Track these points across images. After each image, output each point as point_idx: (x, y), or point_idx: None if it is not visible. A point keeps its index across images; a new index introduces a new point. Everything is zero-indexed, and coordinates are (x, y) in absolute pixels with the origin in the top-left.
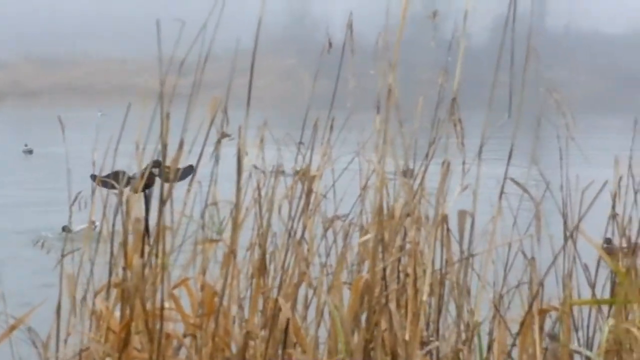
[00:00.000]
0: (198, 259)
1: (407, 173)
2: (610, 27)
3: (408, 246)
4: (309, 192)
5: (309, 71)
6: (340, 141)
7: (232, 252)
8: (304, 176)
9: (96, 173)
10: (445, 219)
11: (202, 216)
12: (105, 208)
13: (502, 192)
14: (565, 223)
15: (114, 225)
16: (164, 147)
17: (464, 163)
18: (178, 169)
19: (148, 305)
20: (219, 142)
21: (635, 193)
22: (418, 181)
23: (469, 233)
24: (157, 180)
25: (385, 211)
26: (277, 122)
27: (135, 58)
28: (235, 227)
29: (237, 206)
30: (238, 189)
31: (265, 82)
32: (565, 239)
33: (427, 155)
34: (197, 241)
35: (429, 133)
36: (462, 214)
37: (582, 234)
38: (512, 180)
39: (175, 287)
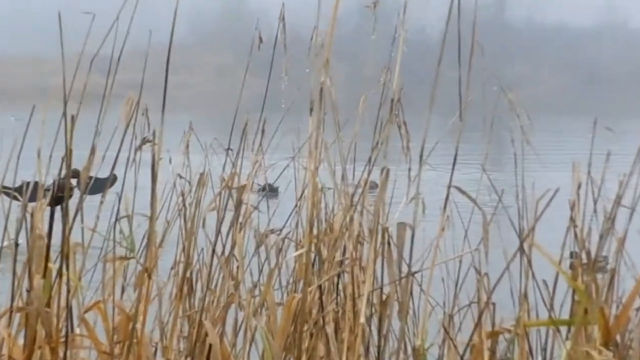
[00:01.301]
0: (114, 279)
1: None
2: (576, 20)
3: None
4: (239, 203)
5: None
6: (273, 147)
7: (146, 271)
8: (232, 186)
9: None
10: (385, 232)
11: (113, 231)
12: (7, 222)
13: (446, 202)
14: (520, 235)
15: (16, 242)
16: (69, 154)
17: (409, 170)
18: (90, 178)
19: (54, 331)
20: (139, 148)
21: (595, 202)
22: (361, 190)
23: (410, 248)
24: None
25: (323, 224)
26: (208, 125)
27: (53, 57)
28: (150, 242)
29: (151, 219)
30: (152, 200)
31: (198, 80)
32: (520, 252)
33: (369, 161)
34: (107, 259)
35: (371, 136)
36: (400, 227)
37: (537, 247)
38: (457, 188)
39: (86, 310)
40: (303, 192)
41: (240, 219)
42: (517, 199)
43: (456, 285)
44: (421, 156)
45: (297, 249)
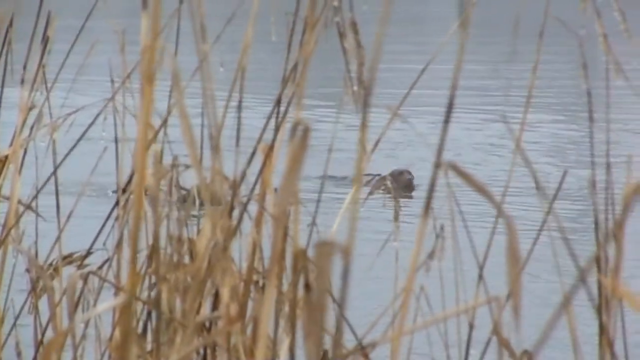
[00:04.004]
0: None
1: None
2: None
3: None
4: None
5: None
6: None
7: None
8: None
9: None
10: (302, 260)
11: None
12: None
13: (429, 196)
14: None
15: None
16: None
17: (362, 126)
18: None
19: None
20: None
21: None
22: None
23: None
24: None
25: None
26: None
27: None
28: None
29: None
30: None
31: None
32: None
33: (277, 106)
34: None
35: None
36: (323, 251)
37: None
38: (453, 167)
39: None
40: (131, 177)
41: None
42: (591, 188)
43: None
44: (366, 92)
45: (115, 296)
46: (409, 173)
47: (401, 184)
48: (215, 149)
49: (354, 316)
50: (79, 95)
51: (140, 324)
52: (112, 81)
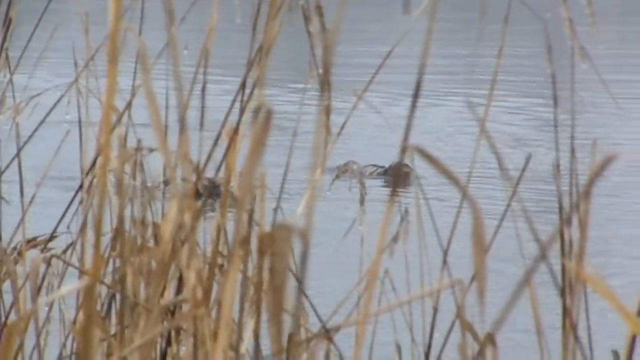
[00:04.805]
0: None
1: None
2: None
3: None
4: None
5: None
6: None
7: None
8: None
9: None
10: (267, 243)
11: None
12: None
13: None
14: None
15: None
16: None
17: (326, 106)
18: None
19: None
20: None
21: None
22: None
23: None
24: None
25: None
26: None
27: None
28: None
29: None
30: None
31: None
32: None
33: (241, 90)
34: None
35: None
36: (281, 234)
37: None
38: (418, 150)
39: None
40: (96, 158)
41: None
42: (555, 171)
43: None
44: (326, 74)
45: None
46: (407, 166)
47: (399, 176)
48: (182, 131)
49: (318, 300)
50: (53, 77)
51: (104, 307)
52: (76, 63)
